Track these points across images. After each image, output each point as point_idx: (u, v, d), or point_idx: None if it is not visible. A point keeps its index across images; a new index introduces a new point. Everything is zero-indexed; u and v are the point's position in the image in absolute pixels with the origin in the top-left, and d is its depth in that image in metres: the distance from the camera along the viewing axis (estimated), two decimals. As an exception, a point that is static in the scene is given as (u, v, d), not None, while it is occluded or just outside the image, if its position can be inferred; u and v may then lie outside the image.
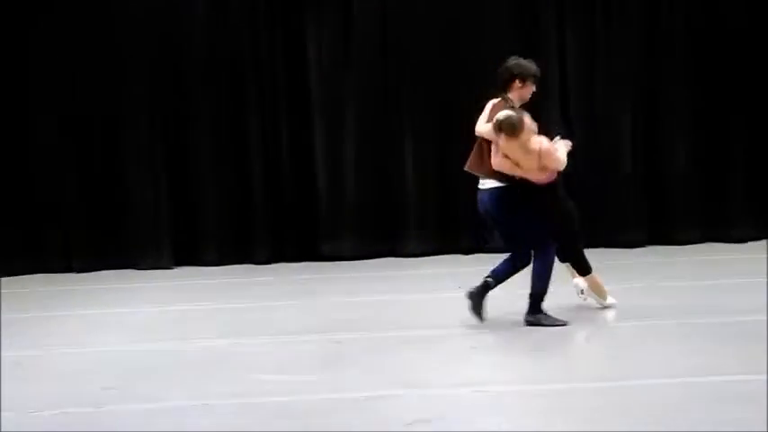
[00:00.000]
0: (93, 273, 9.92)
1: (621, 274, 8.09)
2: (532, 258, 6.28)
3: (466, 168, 6.43)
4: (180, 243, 10.10)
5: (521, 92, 6.32)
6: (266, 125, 10.14)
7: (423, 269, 9.31)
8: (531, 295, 6.29)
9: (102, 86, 10.04)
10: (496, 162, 6.14)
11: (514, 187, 6.20)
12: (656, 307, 6.82)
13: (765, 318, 6.02)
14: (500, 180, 6.21)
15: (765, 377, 4.71)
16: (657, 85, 10.19)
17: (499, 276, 6.35)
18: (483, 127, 6.25)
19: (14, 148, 10.03)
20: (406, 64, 10.16)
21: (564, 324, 6.27)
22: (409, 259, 9.88)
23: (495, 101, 6.33)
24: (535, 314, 6.28)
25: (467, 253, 10.01)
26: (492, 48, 9.93)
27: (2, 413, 4.73)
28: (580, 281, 6.75)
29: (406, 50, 10.14)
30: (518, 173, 6.13)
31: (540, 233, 6.26)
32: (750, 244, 9.84)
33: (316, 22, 10.13)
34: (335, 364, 5.57)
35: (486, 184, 6.29)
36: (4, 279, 9.67)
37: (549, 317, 6.30)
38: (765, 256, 8.60)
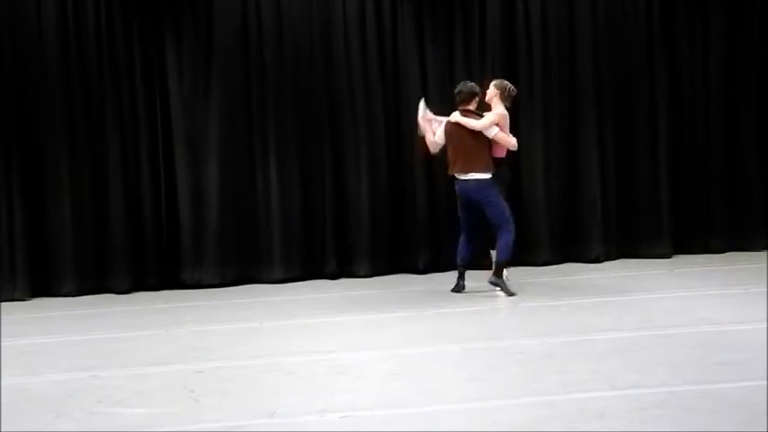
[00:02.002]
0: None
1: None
2: (499, 234, 8.30)
3: (458, 174, 8.50)
4: (36, 273, 9.78)
5: (475, 105, 8.64)
6: (126, 153, 9.96)
7: (286, 295, 9.29)
8: (497, 263, 8.36)
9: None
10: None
11: (494, 177, 8.33)
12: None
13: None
14: (485, 172, 8.34)
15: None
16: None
17: (469, 260, 8.60)
18: (478, 123, 8.44)
19: None
20: (269, 89, 10.17)
21: (513, 294, 8.24)
22: (273, 286, 9.85)
23: (458, 113, 8.59)
24: (498, 278, 8.33)
25: (332, 278, 10.06)
26: (356, 68, 10.15)
27: None
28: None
29: (269, 74, 10.15)
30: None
31: (506, 213, 8.38)
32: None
33: (175, 48, 10.04)
34: (197, 394, 5.49)
35: (471, 175, 8.38)
36: None
37: (506, 284, 8.34)
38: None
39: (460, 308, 8.01)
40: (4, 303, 9.44)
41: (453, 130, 8.54)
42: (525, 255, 10.17)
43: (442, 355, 6.26)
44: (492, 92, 8.61)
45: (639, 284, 8.74)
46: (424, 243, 10.32)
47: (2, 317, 8.73)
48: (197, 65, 10.09)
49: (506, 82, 8.72)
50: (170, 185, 10.07)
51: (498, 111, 8.50)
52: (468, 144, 8.42)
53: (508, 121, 8.57)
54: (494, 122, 8.42)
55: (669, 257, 10.42)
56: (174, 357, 6.56)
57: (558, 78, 10.59)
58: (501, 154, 8.60)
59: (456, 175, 8.51)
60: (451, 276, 8.88)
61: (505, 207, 8.43)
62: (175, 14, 10.06)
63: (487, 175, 8.37)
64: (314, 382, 5.67)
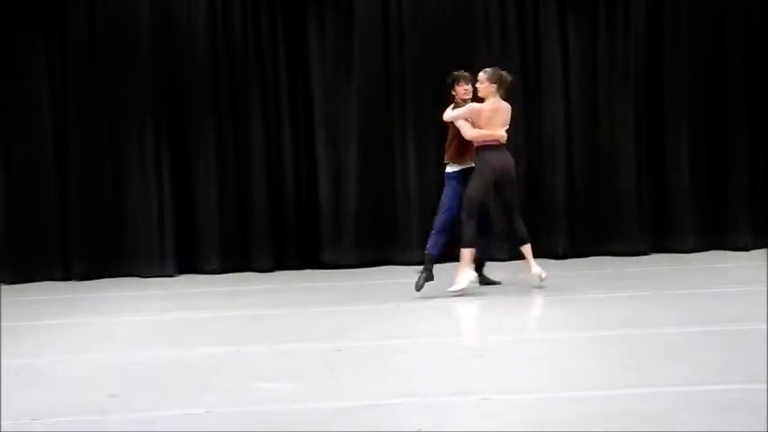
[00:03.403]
0: (94, 281, 9.96)
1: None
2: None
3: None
4: (182, 251, 10.14)
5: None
6: (269, 134, 10.19)
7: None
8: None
9: (105, 94, 10.12)
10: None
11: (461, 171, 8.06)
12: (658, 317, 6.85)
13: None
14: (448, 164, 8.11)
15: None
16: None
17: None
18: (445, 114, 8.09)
19: (18, 152, 10.09)
20: (408, 71, 10.21)
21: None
22: (410, 267, 9.89)
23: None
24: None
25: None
26: (498, 48, 10.06)
27: (3, 421, 4.76)
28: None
29: (408, 56, 10.19)
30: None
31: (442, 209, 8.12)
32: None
33: (317, 32, 10.19)
34: (336, 371, 5.58)
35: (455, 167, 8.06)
36: (4, 287, 9.74)
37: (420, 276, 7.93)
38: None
39: (596, 294, 7.88)
40: (153, 279, 9.86)
41: None
42: (670, 242, 9.95)
43: (579, 341, 6.16)
44: (485, 85, 7.97)
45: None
46: (561, 227, 10.17)
47: (152, 291, 9.12)
48: (338, 48, 10.22)
49: (499, 70, 8.06)
50: (311, 167, 10.26)
51: (470, 105, 8.04)
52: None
53: (488, 113, 7.93)
54: (461, 116, 7.95)
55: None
56: (315, 335, 6.68)
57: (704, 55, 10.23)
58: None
59: None
60: (593, 261, 8.72)
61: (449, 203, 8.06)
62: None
63: (449, 168, 8.14)
64: (452, 364, 5.67)
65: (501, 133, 7.96)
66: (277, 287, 9.21)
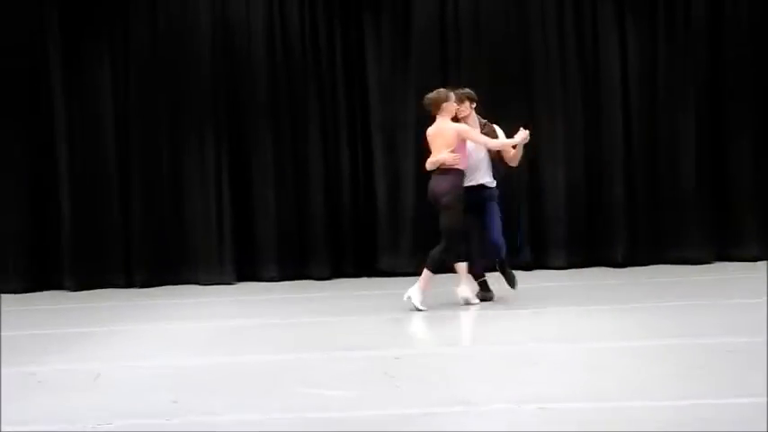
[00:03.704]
0: (154, 288, 10.13)
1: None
2: None
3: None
4: (241, 259, 10.27)
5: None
6: (327, 141, 10.27)
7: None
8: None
9: (166, 103, 10.30)
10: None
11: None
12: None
13: None
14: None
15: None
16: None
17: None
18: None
19: (83, 163, 10.31)
20: (465, 76, 10.19)
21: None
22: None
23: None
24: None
25: (526, 269, 10.02)
26: (555, 52, 10.01)
27: (70, 425, 4.88)
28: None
29: (464, 61, 10.21)
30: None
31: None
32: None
33: (374, 37, 10.26)
34: (394, 379, 5.61)
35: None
36: (69, 293, 9.97)
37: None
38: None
39: (654, 303, 7.80)
40: (212, 286, 9.99)
41: None
42: (733, 250, 9.90)
43: (641, 350, 6.10)
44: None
45: None
46: (621, 235, 10.09)
47: (211, 299, 9.25)
48: (395, 54, 10.26)
49: (443, 91, 7.98)
50: (368, 173, 10.31)
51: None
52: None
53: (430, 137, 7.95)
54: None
55: None
56: (373, 343, 6.71)
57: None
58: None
59: None
60: (653, 270, 8.61)
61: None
62: (375, 2, 10.25)
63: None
64: (509, 372, 5.66)
65: (433, 159, 7.84)
66: (334, 294, 9.26)
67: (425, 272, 7.75)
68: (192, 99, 10.30)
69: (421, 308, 7.68)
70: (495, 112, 10.17)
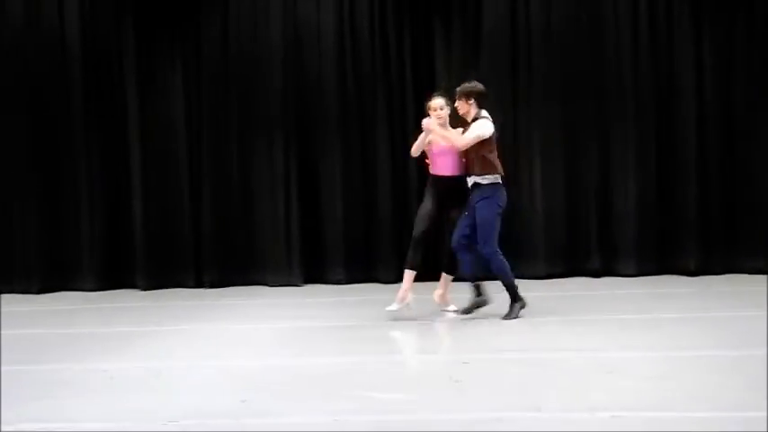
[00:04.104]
0: (223, 288, 10.23)
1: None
2: None
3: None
4: (308, 261, 10.31)
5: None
6: (395, 147, 10.25)
7: (549, 291, 9.20)
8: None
9: (237, 109, 10.42)
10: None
11: None
12: None
13: None
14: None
15: None
16: None
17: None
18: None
19: (155, 167, 10.49)
20: (536, 82, 10.13)
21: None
22: (536, 281, 9.79)
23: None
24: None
25: (595, 276, 9.89)
26: (627, 51, 9.89)
27: (140, 423, 4.94)
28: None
29: (536, 70, 10.12)
30: None
31: None
32: None
33: (444, 38, 10.22)
34: (461, 384, 5.57)
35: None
36: (140, 292, 10.14)
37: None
38: None
39: (732, 312, 7.62)
40: (280, 288, 10.06)
41: None
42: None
43: (715, 360, 5.97)
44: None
45: None
46: (693, 243, 9.90)
47: (278, 300, 9.31)
48: (465, 61, 10.21)
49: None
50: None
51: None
52: None
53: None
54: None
55: None
56: (440, 347, 6.68)
57: None
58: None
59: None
60: (728, 279, 8.41)
61: None
62: (445, 7, 10.22)
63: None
64: (582, 380, 5.58)
65: None
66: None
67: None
68: (261, 103, 10.37)
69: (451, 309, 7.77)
70: (565, 114, 10.12)
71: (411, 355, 6.43)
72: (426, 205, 7.74)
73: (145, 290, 10.33)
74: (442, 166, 7.72)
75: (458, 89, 7.71)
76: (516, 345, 6.66)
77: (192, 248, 10.48)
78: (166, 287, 10.37)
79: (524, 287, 7.96)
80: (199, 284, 10.41)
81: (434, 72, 10.25)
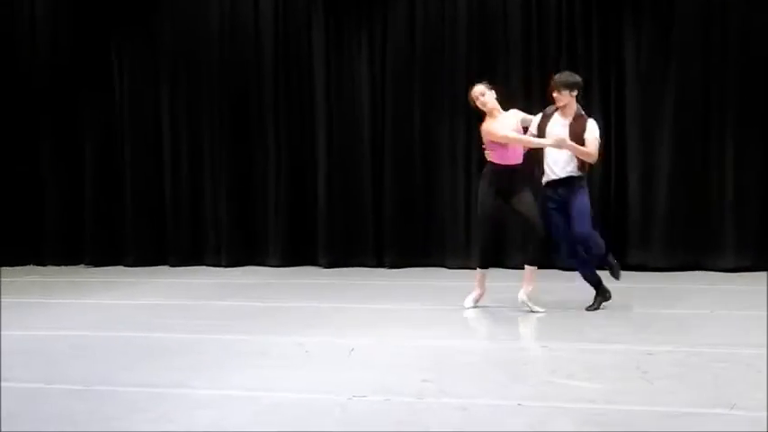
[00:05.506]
0: (404, 269, 10.41)
1: None
2: None
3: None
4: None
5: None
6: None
7: (737, 284, 8.86)
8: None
9: (420, 87, 10.58)
10: None
11: None
12: None
13: None
14: None
15: None
16: None
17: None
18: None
19: (338, 146, 10.79)
20: (731, 69, 9.74)
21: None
22: (722, 273, 9.47)
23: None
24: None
25: None
26: None
27: (328, 395, 5.12)
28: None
29: (731, 56, 9.75)
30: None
31: None
32: None
33: (633, 29, 9.98)
34: (648, 375, 5.46)
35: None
36: (322, 270, 10.45)
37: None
38: None
39: None
40: (458, 270, 10.12)
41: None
42: None
43: None
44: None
45: None
46: (751, 240, 9.57)
47: (456, 283, 9.35)
48: (654, 45, 9.93)
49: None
50: (620, 167, 10.07)
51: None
52: None
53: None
54: None
55: None
56: (624, 337, 6.56)
57: None
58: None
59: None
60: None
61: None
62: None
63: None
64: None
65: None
66: (581, 286, 9.08)
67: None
68: (446, 84, 10.43)
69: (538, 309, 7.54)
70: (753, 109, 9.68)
71: (598, 343, 6.33)
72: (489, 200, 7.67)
73: (326, 268, 10.64)
74: (512, 156, 7.61)
75: (557, 79, 7.51)
76: (702, 338, 6.46)
77: (374, 229, 10.72)
78: (347, 266, 10.64)
79: (712, 278, 7.68)
80: (379, 264, 10.63)
81: (623, 59, 10.00)
